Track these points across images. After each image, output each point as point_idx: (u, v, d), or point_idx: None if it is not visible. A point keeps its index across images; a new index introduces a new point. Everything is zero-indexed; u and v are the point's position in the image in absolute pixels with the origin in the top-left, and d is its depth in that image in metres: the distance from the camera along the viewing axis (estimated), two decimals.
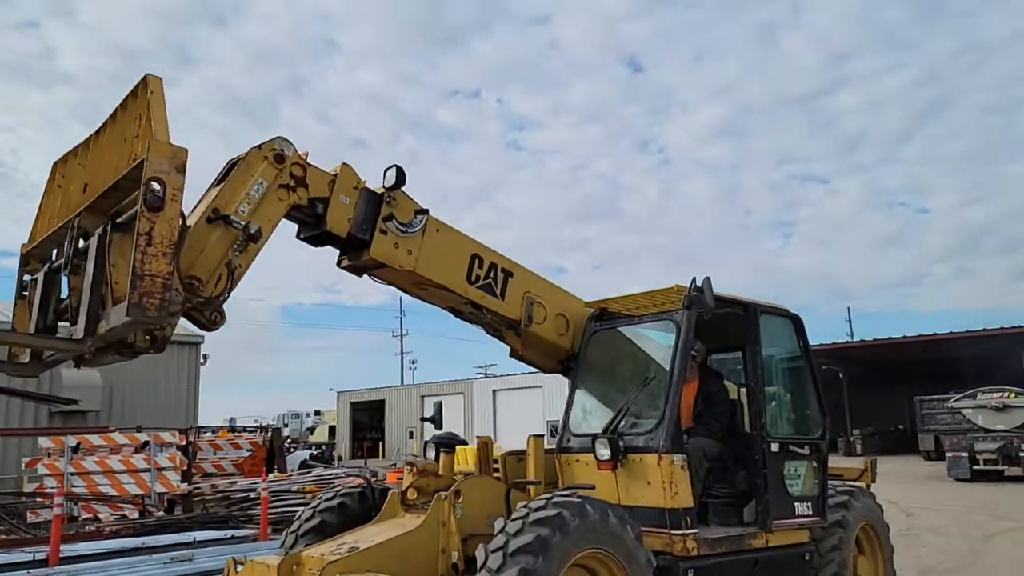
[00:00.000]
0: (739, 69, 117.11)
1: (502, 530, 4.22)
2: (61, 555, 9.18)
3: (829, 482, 6.42)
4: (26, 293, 4.56)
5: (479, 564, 4.13)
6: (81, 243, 4.16)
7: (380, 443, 46.60)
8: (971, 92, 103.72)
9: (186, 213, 4.05)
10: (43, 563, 8.96)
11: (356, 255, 5.01)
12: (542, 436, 5.51)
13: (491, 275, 5.50)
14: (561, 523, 4.20)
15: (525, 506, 4.34)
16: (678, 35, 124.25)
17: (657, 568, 4.73)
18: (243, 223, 4.19)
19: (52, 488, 12.93)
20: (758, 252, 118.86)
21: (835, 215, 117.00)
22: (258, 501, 12.18)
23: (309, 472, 15.80)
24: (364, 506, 5.53)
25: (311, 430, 48.10)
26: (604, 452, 4.99)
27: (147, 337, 3.90)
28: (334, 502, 5.57)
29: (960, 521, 14.29)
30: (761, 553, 5.33)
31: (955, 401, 25.28)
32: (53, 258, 4.51)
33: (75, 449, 14.82)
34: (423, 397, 44.92)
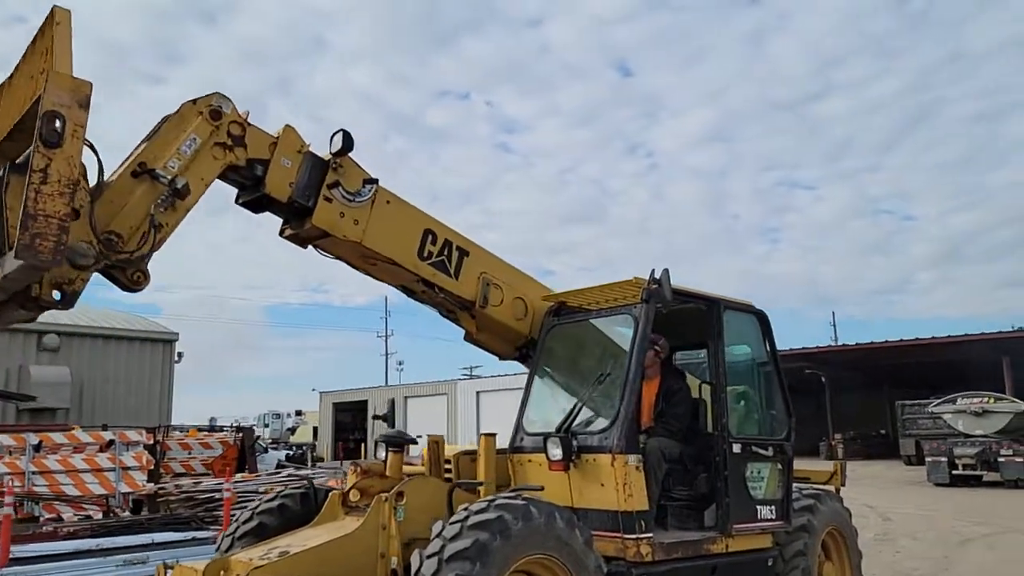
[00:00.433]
0: (727, 74, 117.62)
1: (439, 534, 3.97)
2: (12, 556, 8.84)
3: (795, 485, 6.22)
4: None
5: (413, 570, 3.88)
6: None
7: (362, 444, 46.17)
8: (956, 101, 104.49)
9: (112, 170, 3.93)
10: None
11: (299, 223, 4.78)
12: (495, 435, 5.26)
13: (445, 252, 5.27)
14: (502, 527, 3.95)
15: (465, 509, 4.09)
16: (668, 39, 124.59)
17: (609, 574, 4.50)
18: (169, 177, 3.97)
19: (16, 487, 12.56)
20: (745, 257, 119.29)
21: (821, 221, 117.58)
22: (223, 502, 11.86)
23: (279, 473, 15.47)
24: (306, 508, 5.26)
25: (292, 430, 47.56)
26: (556, 452, 4.75)
27: (55, 291, 3.64)
28: (274, 503, 5.30)
29: (937, 526, 14.16)
30: (721, 559, 5.09)
31: (935, 406, 25.23)
32: None
33: (37, 448, 14.44)
34: (406, 398, 44.52)
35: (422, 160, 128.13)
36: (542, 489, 4.64)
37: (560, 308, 5.64)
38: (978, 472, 22.46)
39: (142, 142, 4.13)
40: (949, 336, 30.93)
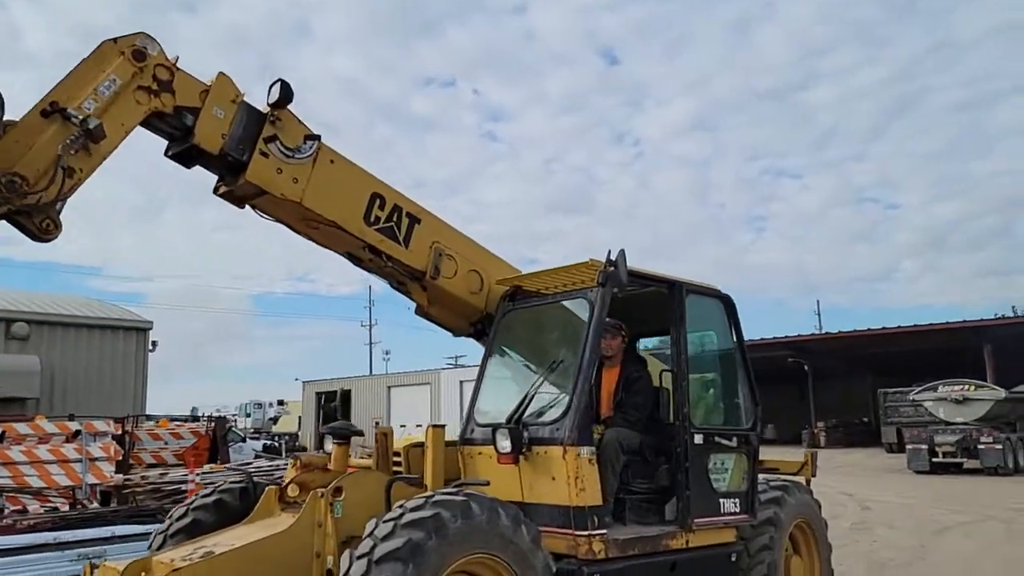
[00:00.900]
0: (712, 63, 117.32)
1: (371, 533, 3.69)
2: None
3: (762, 477, 5.99)
4: None
5: (342, 571, 3.61)
6: None
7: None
8: (942, 89, 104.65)
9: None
10: None
11: (233, 179, 4.49)
12: (443, 426, 4.99)
13: (394, 218, 4.99)
14: (438, 525, 3.68)
15: (401, 506, 3.82)
16: (654, 27, 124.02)
17: (559, 573, 4.25)
18: (81, 117, 3.70)
19: None
20: (731, 246, 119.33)
21: (807, 210, 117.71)
22: (187, 494, 11.57)
23: (249, 464, 15.16)
24: (245, 504, 4.96)
25: (274, 420, 47.13)
26: (505, 444, 4.48)
27: None
28: (210, 499, 5.01)
29: (915, 515, 14.04)
30: (680, 555, 4.85)
31: (916, 394, 25.20)
32: None
33: (0, 438, 14.08)
34: (389, 387, 44.21)
35: (407, 148, 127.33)
36: (487, 484, 4.37)
37: (515, 292, 5.36)
38: (958, 460, 22.44)
39: (58, 84, 3.86)
40: (931, 324, 30.92)
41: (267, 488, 4.77)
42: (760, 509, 5.47)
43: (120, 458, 15.03)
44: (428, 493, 3.92)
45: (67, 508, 13.38)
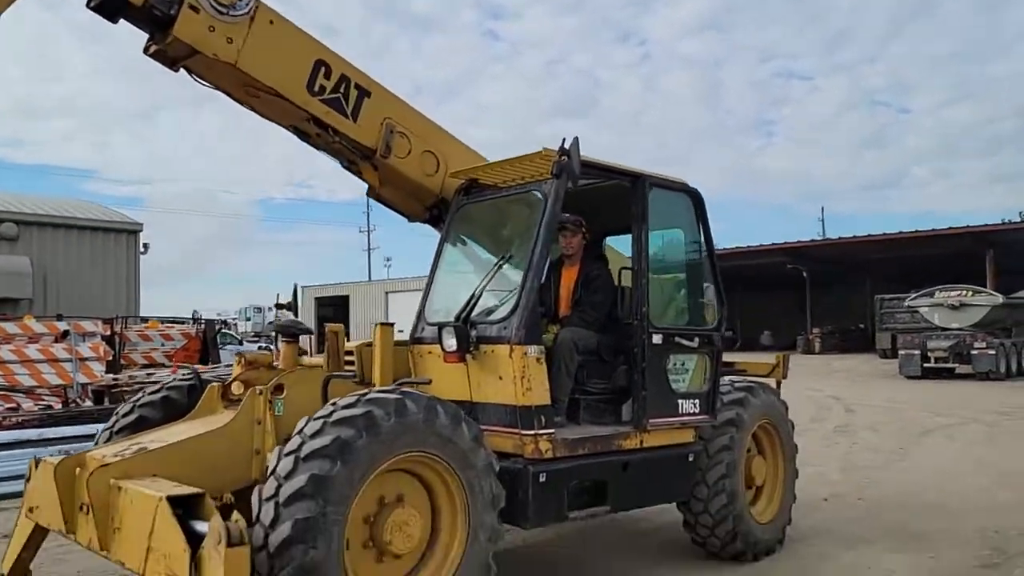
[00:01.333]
0: None
1: (300, 431, 3.57)
2: None
3: (729, 378, 5.88)
4: None
5: (269, 469, 3.50)
6: None
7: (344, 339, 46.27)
8: None
9: None
10: None
11: (162, 37, 4.22)
12: (392, 324, 4.82)
13: (341, 89, 4.71)
14: (370, 423, 3.55)
15: (333, 403, 3.69)
16: None
17: (505, 472, 4.16)
18: None
19: None
20: (738, 152, 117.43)
21: (817, 115, 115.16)
22: None
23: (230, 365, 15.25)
24: (192, 401, 4.85)
25: (272, 323, 47.48)
26: (451, 342, 4.32)
27: None
28: (157, 396, 4.93)
29: (900, 418, 14.14)
30: (633, 455, 4.76)
31: (913, 299, 25.13)
32: None
33: None
34: (387, 293, 44.36)
35: (405, 48, 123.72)
36: (429, 382, 4.24)
37: (471, 186, 5.10)
38: (950, 365, 22.57)
39: None
40: (933, 229, 30.55)
41: (210, 385, 4.66)
42: (722, 410, 5.36)
43: (110, 358, 15.13)
44: (362, 391, 3.78)
45: (59, 407, 13.55)
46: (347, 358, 4.97)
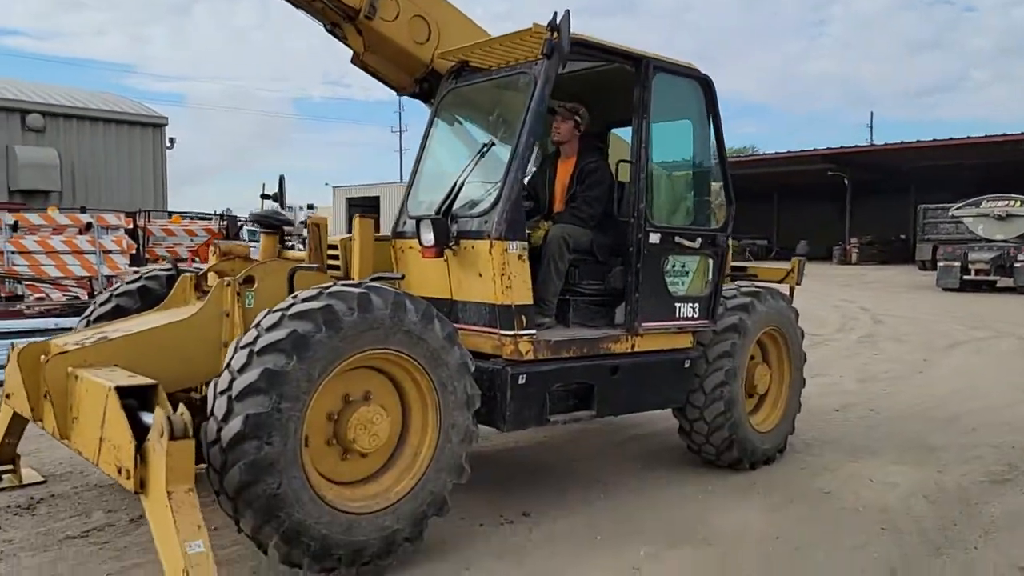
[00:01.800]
0: None
1: (257, 323, 3.39)
2: None
3: (738, 283, 5.58)
4: None
5: (225, 361, 3.35)
6: None
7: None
8: None
9: None
10: None
11: None
12: (373, 217, 4.57)
13: None
14: (330, 317, 3.35)
15: (294, 296, 3.49)
16: None
17: (483, 374, 3.98)
18: None
19: None
20: (782, 55, 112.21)
21: (868, 13, 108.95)
22: None
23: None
24: (170, 291, 4.72)
25: (304, 224, 47.60)
26: (428, 237, 4.06)
27: None
28: (135, 285, 4.80)
29: (929, 330, 13.70)
30: (624, 359, 4.54)
31: (957, 209, 24.10)
32: None
33: (14, 228, 14.27)
34: None
35: None
36: (402, 277, 4.03)
37: (461, 69, 4.72)
38: (991, 278, 21.78)
39: None
40: (986, 135, 29.02)
41: (183, 276, 4.49)
42: (725, 315, 5.09)
43: (134, 251, 15.24)
44: (325, 284, 3.57)
45: (86, 298, 13.77)
46: (332, 252, 4.77)
